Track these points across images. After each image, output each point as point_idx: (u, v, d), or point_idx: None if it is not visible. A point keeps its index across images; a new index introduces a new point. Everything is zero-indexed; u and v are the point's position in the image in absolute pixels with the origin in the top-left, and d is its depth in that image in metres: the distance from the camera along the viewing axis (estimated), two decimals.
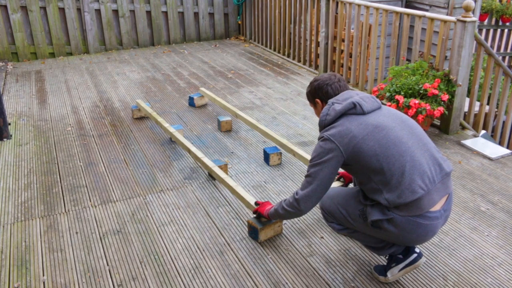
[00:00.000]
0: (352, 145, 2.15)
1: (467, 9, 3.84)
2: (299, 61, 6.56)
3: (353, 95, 2.29)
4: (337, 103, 2.26)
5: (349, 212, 2.34)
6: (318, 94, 2.42)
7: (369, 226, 2.25)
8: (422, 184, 2.11)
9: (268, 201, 2.72)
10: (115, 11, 7.19)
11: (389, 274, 2.42)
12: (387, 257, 2.48)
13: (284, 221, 2.93)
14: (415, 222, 2.15)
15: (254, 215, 2.78)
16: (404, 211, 2.13)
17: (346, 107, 2.23)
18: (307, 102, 5.05)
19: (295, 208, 2.33)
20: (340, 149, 2.16)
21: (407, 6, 7.08)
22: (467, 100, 4.83)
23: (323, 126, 2.29)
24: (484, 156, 3.82)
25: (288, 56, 6.81)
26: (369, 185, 2.19)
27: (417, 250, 2.39)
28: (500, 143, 4.96)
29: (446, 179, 2.22)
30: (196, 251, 2.68)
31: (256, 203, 2.79)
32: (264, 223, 2.72)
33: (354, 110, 2.23)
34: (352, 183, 3.05)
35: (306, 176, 2.28)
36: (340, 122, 2.22)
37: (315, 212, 3.04)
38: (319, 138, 2.27)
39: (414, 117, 3.93)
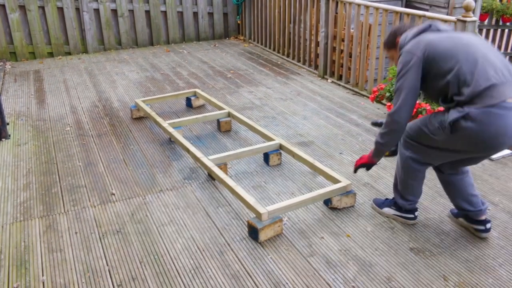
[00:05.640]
0: (427, 47, 2.39)
1: (467, 9, 3.83)
2: (298, 61, 6.55)
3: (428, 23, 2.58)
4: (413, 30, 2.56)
5: (430, 128, 2.50)
6: (398, 33, 2.64)
7: (448, 134, 2.38)
8: (495, 74, 2.28)
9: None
10: (114, 11, 7.17)
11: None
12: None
13: (284, 221, 2.92)
14: (491, 113, 2.25)
15: (356, 171, 2.90)
16: (478, 103, 2.26)
17: (422, 27, 2.52)
18: (307, 102, 5.07)
19: (390, 124, 2.51)
20: (417, 54, 2.39)
21: (407, 6, 7.08)
22: None
23: (403, 45, 2.52)
24: None
25: (288, 56, 6.80)
26: (445, 86, 2.36)
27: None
28: None
29: None
30: (196, 251, 2.66)
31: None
32: (263, 223, 2.71)
33: (429, 29, 2.51)
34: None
35: (394, 93, 2.49)
36: (416, 38, 2.47)
37: (315, 212, 3.03)
38: (399, 57, 2.51)
39: (415, 117, 3.92)
